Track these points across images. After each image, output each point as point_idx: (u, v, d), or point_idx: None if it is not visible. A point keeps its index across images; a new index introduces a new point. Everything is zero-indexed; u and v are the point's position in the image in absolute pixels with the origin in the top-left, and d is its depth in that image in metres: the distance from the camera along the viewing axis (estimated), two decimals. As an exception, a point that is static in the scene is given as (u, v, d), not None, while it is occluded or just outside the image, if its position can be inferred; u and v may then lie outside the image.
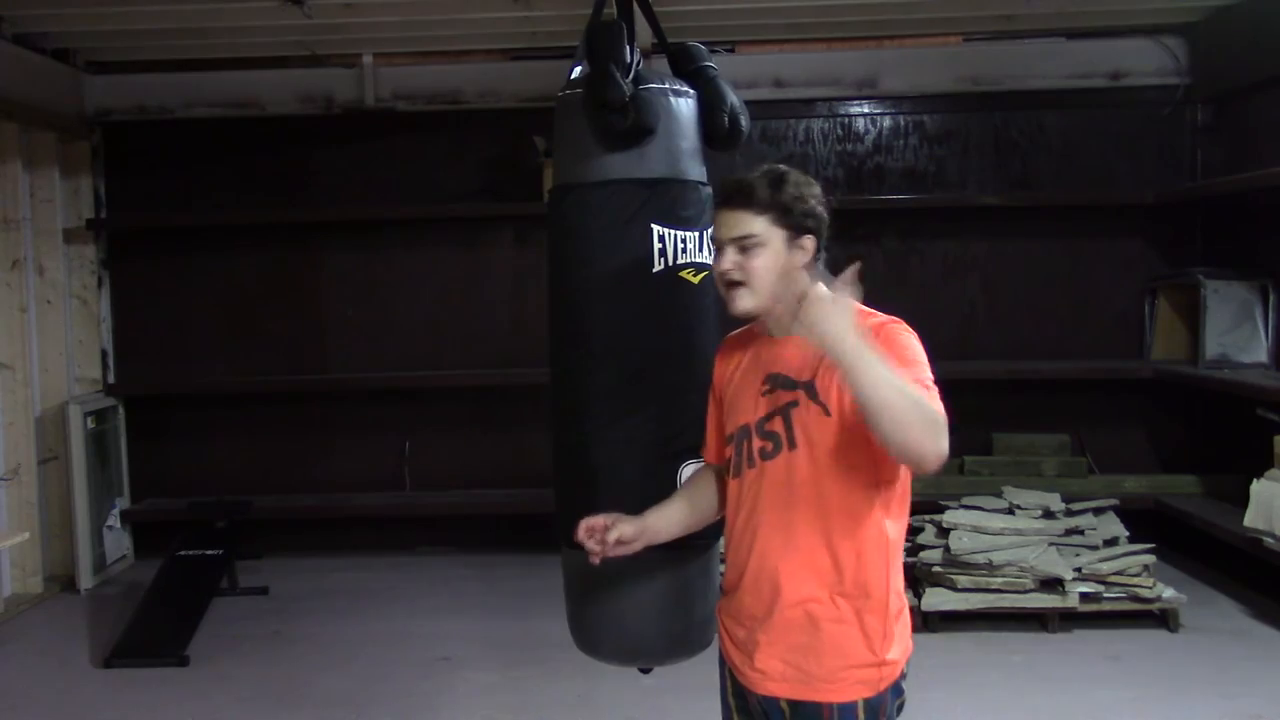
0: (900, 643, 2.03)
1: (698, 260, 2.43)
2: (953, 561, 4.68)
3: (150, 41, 5.65)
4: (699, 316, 2.45)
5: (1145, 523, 5.28)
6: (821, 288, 2.08)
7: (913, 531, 5.02)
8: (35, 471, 5.45)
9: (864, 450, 1.93)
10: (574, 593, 2.53)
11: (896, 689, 2.03)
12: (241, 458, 6.14)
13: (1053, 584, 4.60)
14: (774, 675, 2.03)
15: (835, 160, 6.09)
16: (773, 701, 2.04)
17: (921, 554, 4.80)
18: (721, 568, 2.27)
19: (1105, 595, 4.62)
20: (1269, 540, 4.56)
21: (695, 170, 2.46)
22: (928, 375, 1.95)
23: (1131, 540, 4.82)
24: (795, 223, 2.02)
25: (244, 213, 6.09)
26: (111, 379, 6.09)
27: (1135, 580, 4.62)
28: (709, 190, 2.49)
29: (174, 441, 6.18)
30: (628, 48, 2.41)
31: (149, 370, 6.17)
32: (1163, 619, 4.65)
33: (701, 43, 2.67)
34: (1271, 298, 5.27)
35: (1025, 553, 4.67)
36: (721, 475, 2.21)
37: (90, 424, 5.69)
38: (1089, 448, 5.93)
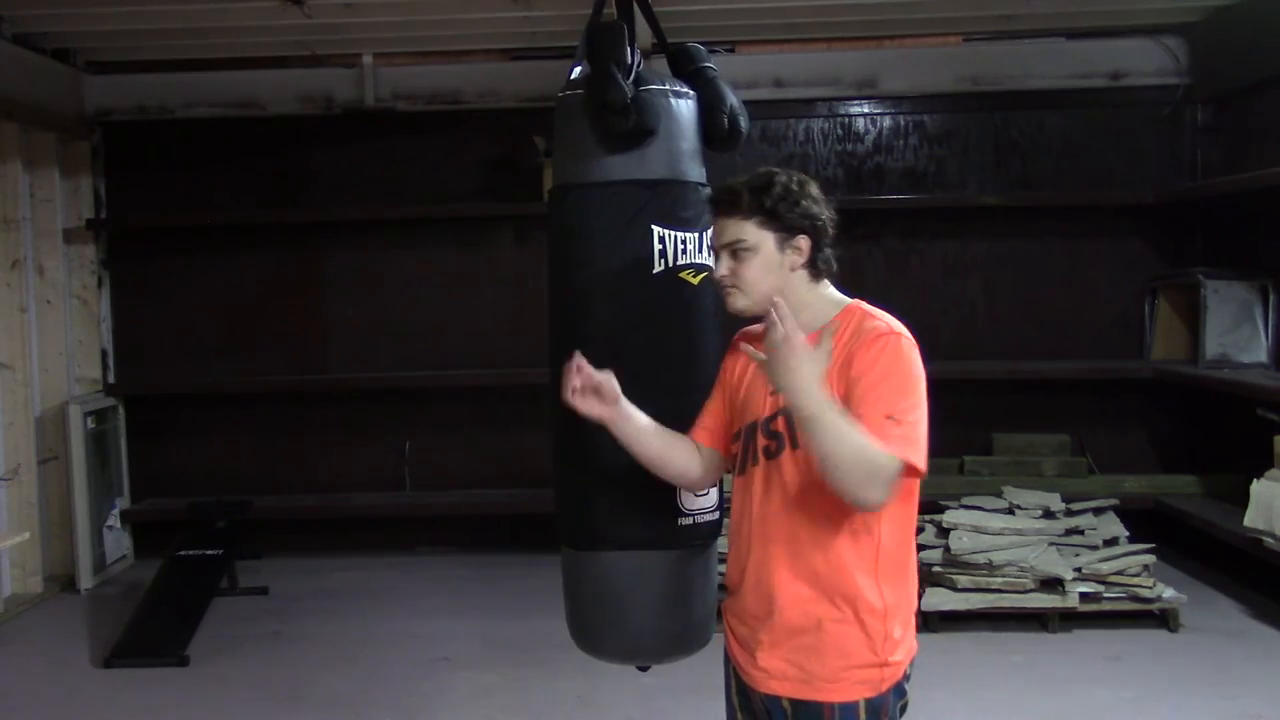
0: (904, 644, 2.03)
1: (697, 261, 2.44)
2: (953, 561, 4.68)
3: (150, 41, 5.65)
4: (699, 317, 2.46)
5: (1145, 523, 5.28)
6: (829, 288, 2.09)
7: (913, 531, 5.03)
8: (35, 471, 5.45)
9: None
10: (573, 591, 2.53)
11: (899, 690, 2.04)
12: (241, 458, 6.14)
13: (1053, 584, 4.60)
14: (776, 674, 2.03)
15: (835, 160, 6.09)
16: (775, 700, 2.04)
17: (921, 554, 4.80)
18: (722, 567, 2.27)
19: (1105, 595, 4.62)
20: (1269, 540, 4.56)
21: (695, 171, 2.47)
22: (907, 404, 1.92)
23: (1131, 540, 4.82)
24: (785, 224, 2.03)
25: (244, 213, 6.09)
26: (111, 379, 6.09)
27: (1135, 580, 4.62)
28: (709, 191, 2.49)
29: (174, 441, 6.18)
30: (628, 49, 2.41)
31: (149, 370, 6.17)
32: (1163, 619, 4.65)
33: (701, 43, 2.67)
34: (1271, 298, 5.27)
35: (1025, 553, 4.67)
36: (699, 451, 2.21)
37: (90, 424, 5.69)
38: (1089, 448, 5.93)
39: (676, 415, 2.35)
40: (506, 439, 6.05)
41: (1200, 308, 5.36)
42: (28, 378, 5.45)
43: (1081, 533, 4.84)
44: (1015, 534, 4.76)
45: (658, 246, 2.38)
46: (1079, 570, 4.64)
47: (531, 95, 5.88)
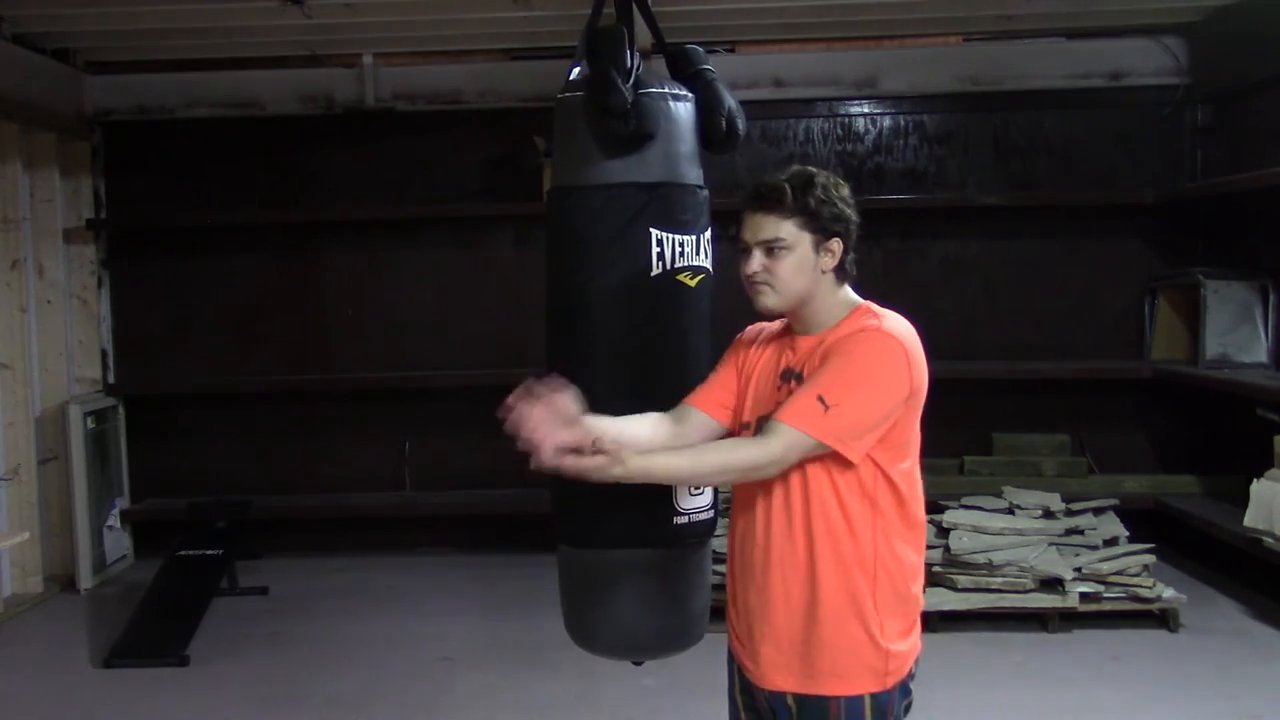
0: (908, 641, 2.04)
1: (695, 264, 2.45)
2: (953, 561, 4.68)
3: (150, 41, 5.65)
4: (695, 320, 2.47)
5: (1145, 523, 5.28)
6: (848, 290, 2.11)
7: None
8: (35, 471, 5.45)
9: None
10: (569, 587, 2.54)
11: (904, 689, 2.04)
12: (241, 458, 6.13)
13: (1053, 584, 4.60)
14: (778, 670, 2.04)
15: (835, 160, 6.08)
16: (779, 697, 2.05)
17: (921, 554, 4.80)
18: (721, 566, 2.27)
19: (1105, 595, 4.62)
20: (1269, 540, 4.56)
21: (693, 174, 2.47)
22: (851, 393, 1.95)
23: (1131, 540, 4.83)
24: (823, 226, 2.04)
25: (244, 212, 6.09)
26: (111, 379, 6.09)
27: (1135, 580, 4.62)
28: (706, 193, 2.51)
29: (174, 441, 6.18)
30: (628, 52, 2.41)
31: (149, 370, 6.17)
32: (1163, 619, 4.65)
33: (701, 43, 2.67)
34: (1271, 298, 5.27)
35: (1025, 553, 4.67)
36: (677, 420, 2.21)
37: (90, 424, 5.69)
38: (1089, 448, 5.93)
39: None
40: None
41: (1200, 308, 5.36)
42: (28, 378, 5.45)
43: (1081, 533, 4.84)
44: (1015, 534, 4.76)
45: (655, 249, 2.38)
46: (1079, 570, 4.64)
47: (531, 95, 5.88)
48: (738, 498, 2.14)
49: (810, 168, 2.10)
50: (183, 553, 5.29)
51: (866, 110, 6.10)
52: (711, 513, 2.47)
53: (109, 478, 5.90)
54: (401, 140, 6.10)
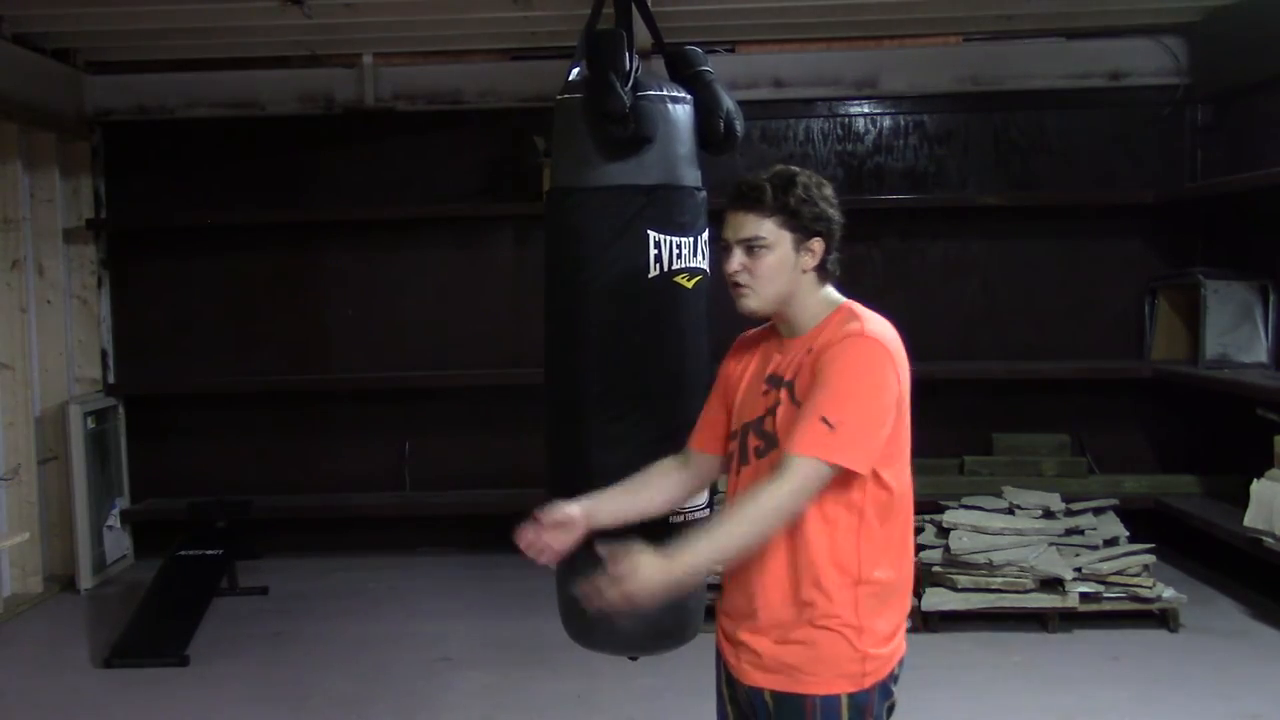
0: (890, 643, 2.04)
1: (692, 265, 2.46)
2: (953, 561, 4.68)
3: (150, 41, 5.65)
4: (692, 321, 2.48)
5: (1145, 523, 5.29)
6: (829, 289, 2.10)
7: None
8: (35, 471, 5.45)
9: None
10: (565, 582, 2.55)
11: (885, 690, 2.04)
12: (241, 458, 6.13)
13: (1053, 584, 4.60)
14: (758, 667, 2.06)
15: (835, 160, 6.08)
16: (758, 693, 2.06)
17: (921, 554, 4.80)
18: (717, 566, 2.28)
19: (1105, 595, 4.62)
20: (1269, 540, 4.56)
21: (691, 176, 2.48)
22: (850, 407, 1.94)
23: (1131, 540, 4.83)
24: (803, 225, 2.03)
25: (244, 213, 6.08)
26: (111, 379, 6.09)
27: (1135, 580, 4.62)
28: (704, 195, 2.51)
29: (174, 441, 6.18)
30: (627, 55, 2.41)
31: (149, 370, 6.17)
32: (1163, 619, 4.65)
33: (700, 43, 2.67)
34: (1271, 298, 5.27)
35: (1025, 553, 4.67)
36: (684, 465, 2.24)
37: (90, 424, 5.69)
38: (1089, 448, 5.93)
39: (668, 416, 2.36)
40: (506, 439, 6.04)
41: (1200, 308, 5.36)
42: (28, 378, 5.45)
43: (1081, 533, 4.84)
44: (1015, 534, 4.76)
45: (653, 251, 2.39)
46: (1079, 570, 4.64)
47: (531, 95, 5.87)
48: (736, 488, 2.14)
49: (793, 167, 2.09)
50: (183, 553, 5.29)
51: (866, 110, 6.10)
52: (707, 511, 2.48)
53: (109, 478, 5.90)
54: (401, 140, 6.10)
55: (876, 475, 1.99)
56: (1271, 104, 5.25)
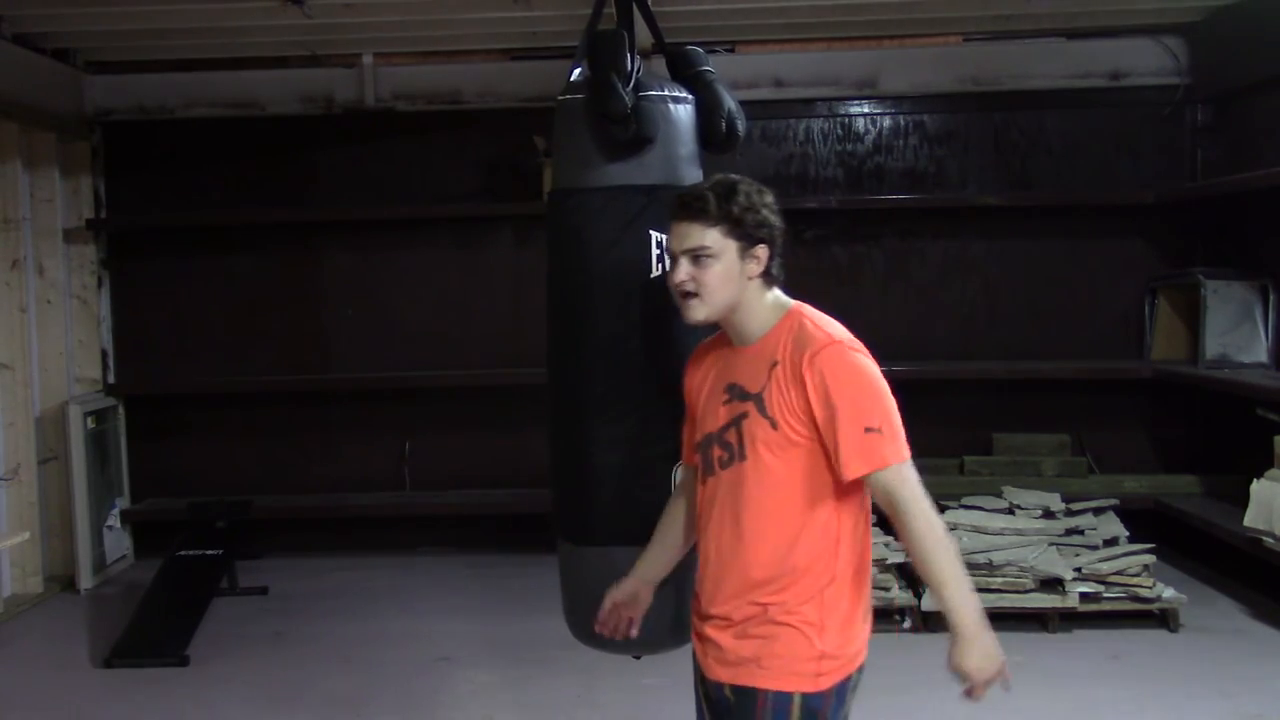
0: (849, 647, 2.07)
1: None
2: (953, 561, 4.67)
3: (150, 41, 5.65)
4: None
5: (1145, 523, 5.28)
6: (776, 293, 2.13)
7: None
8: (35, 471, 5.45)
9: (810, 461, 2.02)
10: (570, 584, 2.56)
11: (841, 696, 2.06)
12: (241, 458, 6.13)
13: (1053, 584, 4.60)
14: (721, 661, 2.10)
15: (835, 160, 6.08)
16: (719, 688, 2.11)
17: (921, 554, 4.80)
18: None
19: (1105, 595, 4.62)
20: (1269, 540, 4.56)
21: (692, 175, 2.48)
22: (877, 409, 2.01)
23: (1131, 540, 4.82)
24: (747, 233, 2.07)
25: (244, 213, 6.09)
26: (111, 379, 6.09)
27: (1135, 580, 4.62)
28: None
29: (174, 441, 6.18)
30: (628, 56, 2.42)
31: (149, 370, 6.17)
32: (1163, 619, 4.65)
33: (701, 43, 2.67)
34: (1271, 298, 5.27)
35: (1025, 553, 4.67)
36: (687, 491, 2.30)
37: (90, 424, 5.69)
38: (1089, 448, 5.93)
39: (670, 416, 2.37)
40: (506, 439, 6.04)
41: (1200, 308, 5.36)
42: (28, 378, 5.45)
43: (1081, 533, 4.84)
44: (1015, 534, 4.76)
45: (655, 251, 2.40)
46: (1079, 570, 4.64)
47: (531, 95, 5.88)
48: (700, 507, 2.19)
49: (733, 175, 2.13)
50: (183, 553, 5.29)
51: (866, 110, 6.10)
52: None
53: (109, 478, 5.90)
54: (401, 140, 6.10)
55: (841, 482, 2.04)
56: (1271, 104, 5.25)
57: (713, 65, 2.60)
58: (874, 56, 6.00)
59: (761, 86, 5.93)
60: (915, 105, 6.06)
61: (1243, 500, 4.76)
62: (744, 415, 2.06)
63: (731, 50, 6.04)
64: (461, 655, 4.56)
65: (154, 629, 4.73)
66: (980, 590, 4.53)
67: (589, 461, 2.44)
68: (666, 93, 2.44)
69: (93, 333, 6.01)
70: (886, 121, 6.10)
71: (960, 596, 2.00)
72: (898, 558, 4.78)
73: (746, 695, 2.05)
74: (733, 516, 2.09)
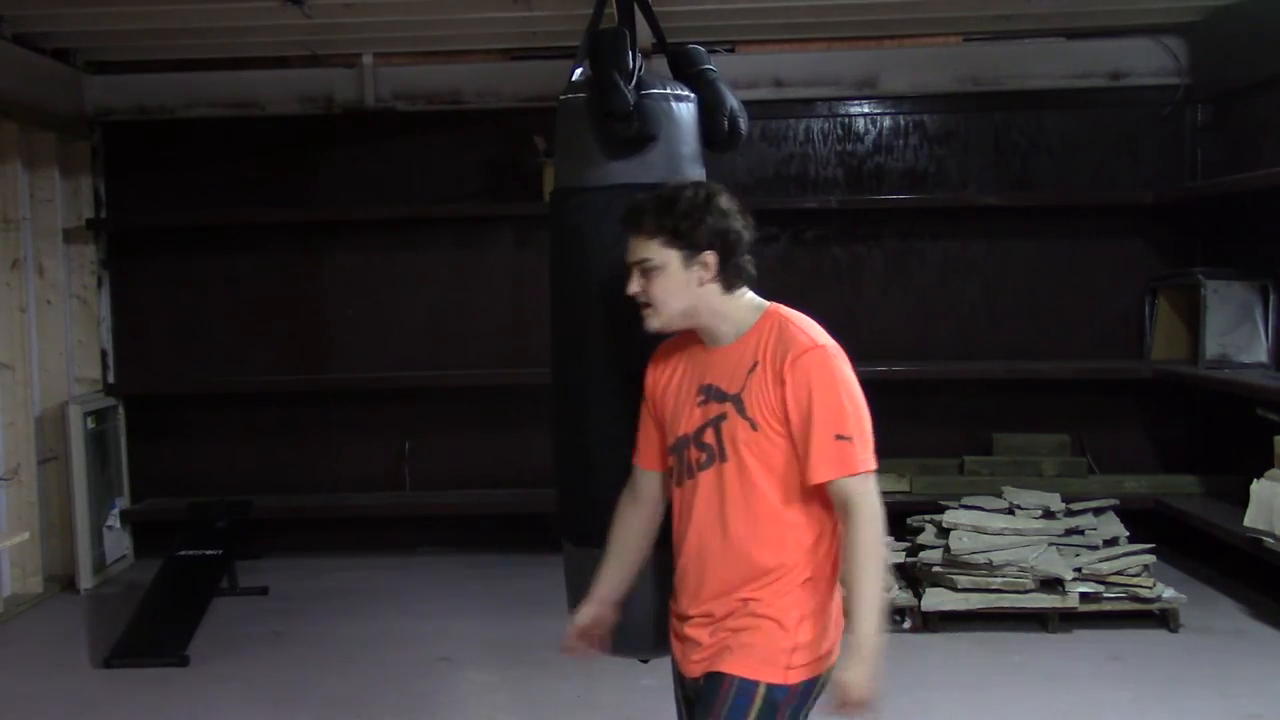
0: (824, 637, 2.08)
1: None
2: (953, 561, 4.68)
3: (150, 41, 5.65)
4: None
5: (1145, 523, 5.28)
6: (747, 294, 2.15)
7: (912, 531, 5.03)
8: (35, 471, 5.44)
9: (789, 461, 2.04)
10: (576, 588, 2.55)
11: (805, 695, 2.07)
12: (242, 458, 6.13)
13: (1053, 584, 4.60)
14: (698, 659, 2.13)
15: (835, 160, 6.09)
16: (695, 683, 2.13)
17: (921, 554, 4.80)
18: None
19: (1105, 595, 4.62)
20: (1269, 540, 4.56)
21: (695, 174, 2.47)
22: (849, 416, 2.02)
23: (1131, 540, 4.82)
24: (689, 242, 2.08)
25: (244, 213, 6.08)
26: (111, 379, 6.09)
27: (1135, 580, 4.62)
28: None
29: (174, 441, 6.18)
30: (630, 54, 2.41)
31: (149, 370, 6.17)
32: (1163, 619, 4.65)
33: (701, 43, 2.67)
34: (1271, 298, 5.27)
35: (1025, 553, 4.67)
36: (638, 498, 2.29)
37: (90, 424, 5.68)
38: (1089, 448, 5.93)
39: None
40: (506, 439, 6.05)
41: (1200, 308, 5.36)
42: (28, 378, 5.45)
43: (1081, 533, 4.84)
44: (1015, 534, 4.76)
45: None
46: (1079, 570, 4.64)
47: (531, 95, 5.88)
48: (676, 511, 2.19)
49: (683, 182, 2.16)
50: (183, 553, 5.29)
51: (866, 110, 6.10)
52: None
53: (109, 478, 5.90)
54: (401, 140, 6.10)
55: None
56: (1271, 104, 5.25)
57: (714, 64, 2.60)
58: (874, 56, 6.01)
59: (761, 86, 5.93)
60: (915, 105, 6.06)
61: (1243, 500, 4.76)
62: (722, 416, 2.08)
63: (732, 50, 6.04)
64: (461, 655, 4.56)
65: (154, 629, 4.72)
66: (980, 590, 4.61)
67: (591, 462, 2.43)
68: (669, 91, 2.44)
69: (93, 333, 6.01)
70: (886, 121, 6.10)
71: (874, 618, 2.00)
72: (897, 558, 4.79)
73: (714, 679, 2.07)
74: (716, 518, 2.09)
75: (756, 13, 5.39)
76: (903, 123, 6.09)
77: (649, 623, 2.41)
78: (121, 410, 6.08)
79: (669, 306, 2.11)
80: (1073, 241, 6.03)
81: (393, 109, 6.02)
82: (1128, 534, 4.87)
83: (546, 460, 2.65)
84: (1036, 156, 6.04)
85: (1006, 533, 4.75)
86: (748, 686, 2.03)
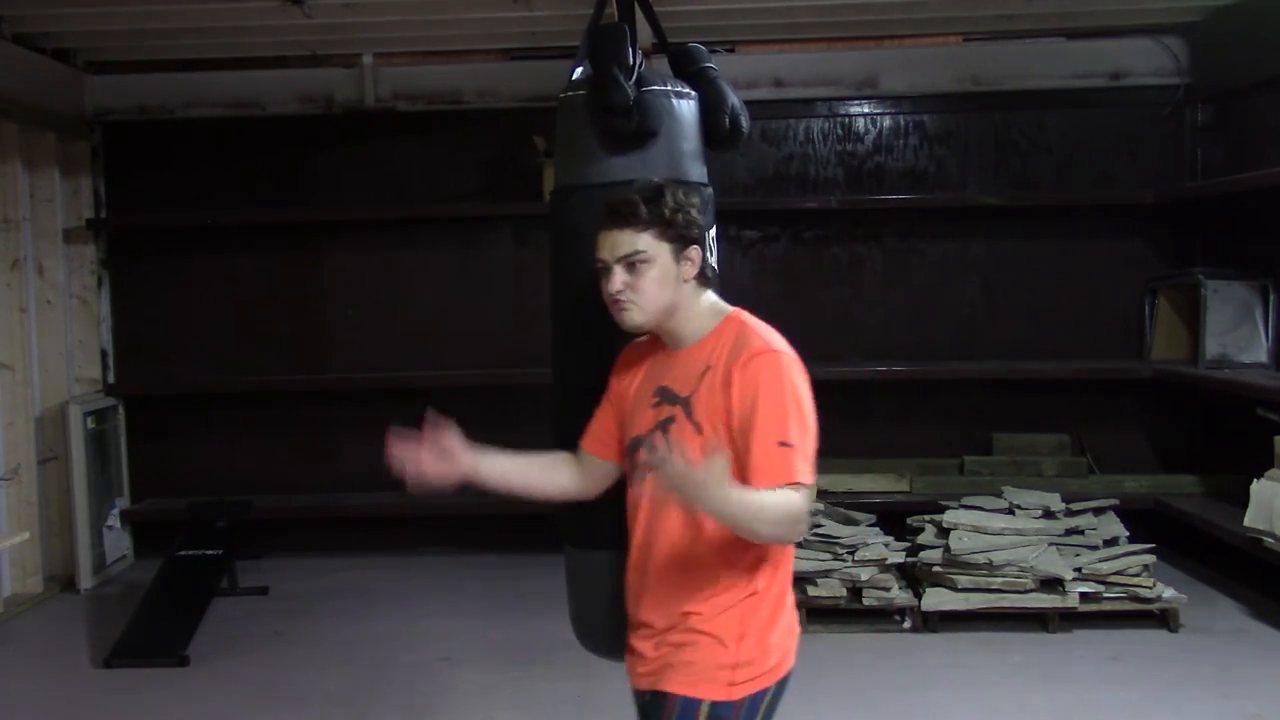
0: (768, 653, 2.03)
1: None
2: (953, 561, 4.68)
3: (150, 41, 5.65)
4: None
5: (1145, 523, 5.28)
6: (711, 296, 2.13)
7: (913, 531, 5.03)
8: (35, 471, 5.45)
9: (735, 469, 1.96)
10: (577, 590, 2.54)
11: (753, 709, 2.03)
12: (241, 458, 6.13)
13: (1053, 584, 4.60)
14: (643, 672, 2.11)
15: (835, 160, 6.08)
16: (641, 696, 2.12)
17: (921, 554, 4.81)
18: None
19: (1105, 595, 4.62)
20: (1269, 540, 4.56)
21: (696, 172, 2.47)
22: (794, 425, 1.95)
23: (1131, 540, 4.83)
24: (680, 235, 2.06)
25: (244, 213, 6.08)
26: (111, 379, 6.09)
27: (1135, 580, 4.62)
28: (710, 192, 2.50)
29: (174, 441, 6.17)
30: (630, 50, 2.41)
31: (149, 370, 6.17)
32: (1163, 619, 4.65)
33: (701, 43, 2.67)
34: (1271, 298, 5.27)
35: (1025, 553, 4.67)
36: (576, 462, 2.28)
37: (90, 424, 5.68)
38: (1089, 448, 5.93)
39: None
40: (506, 439, 5.92)
41: (1200, 308, 5.36)
42: (28, 378, 5.45)
43: (1081, 533, 4.84)
44: (1015, 534, 4.76)
45: None
46: (1079, 570, 4.64)
47: (531, 95, 5.88)
48: (631, 512, 2.17)
49: (655, 179, 2.13)
50: (183, 553, 5.29)
51: (866, 110, 6.10)
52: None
53: (109, 478, 5.90)
54: (401, 140, 6.10)
55: None
56: (1271, 104, 5.25)
57: (714, 63, 2.59)
58: (874, 56, 6.01)
59: (761, 86, 5.93)
60: (915, 105, 6.06)
61: (1243, 500, 4.76)
62: (670, 420, 2.05)
63: (732, 50, 6.04)
64: (461, 655, 4.56)
65: (154, 629, 4.72)
66: (980, 590, 4.61)
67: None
68: (669, 87, 2.43)
69: (93, 333, 6.01)
70: (886, 121, 6.10)
71: (736, 498, 1.85)
72: (897, 558, 4.79)
73: (658, 699, 2.05)
74: (660, 523, 2.07)
75: (756, 13, 5.39)
76: (903, 123, 6.09)
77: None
78: (121, 410, 6.09)
79: (656, 302, 2.06)
80: (1072, 241, 6.03)
81: (393, 109, 6.02)
82: (1128, 534, 4.87)
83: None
84: (1036, 156, 6.03)
85: (1006, 533, 4.75)
86: (691, 705, 2.00)
